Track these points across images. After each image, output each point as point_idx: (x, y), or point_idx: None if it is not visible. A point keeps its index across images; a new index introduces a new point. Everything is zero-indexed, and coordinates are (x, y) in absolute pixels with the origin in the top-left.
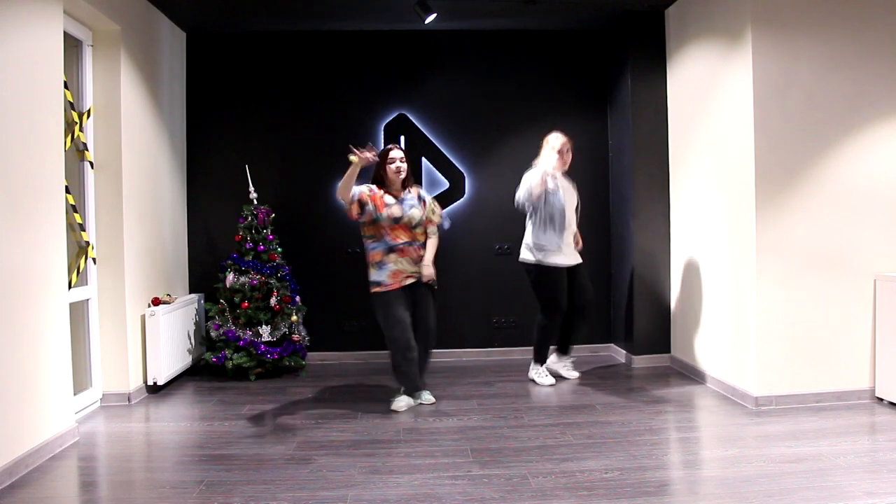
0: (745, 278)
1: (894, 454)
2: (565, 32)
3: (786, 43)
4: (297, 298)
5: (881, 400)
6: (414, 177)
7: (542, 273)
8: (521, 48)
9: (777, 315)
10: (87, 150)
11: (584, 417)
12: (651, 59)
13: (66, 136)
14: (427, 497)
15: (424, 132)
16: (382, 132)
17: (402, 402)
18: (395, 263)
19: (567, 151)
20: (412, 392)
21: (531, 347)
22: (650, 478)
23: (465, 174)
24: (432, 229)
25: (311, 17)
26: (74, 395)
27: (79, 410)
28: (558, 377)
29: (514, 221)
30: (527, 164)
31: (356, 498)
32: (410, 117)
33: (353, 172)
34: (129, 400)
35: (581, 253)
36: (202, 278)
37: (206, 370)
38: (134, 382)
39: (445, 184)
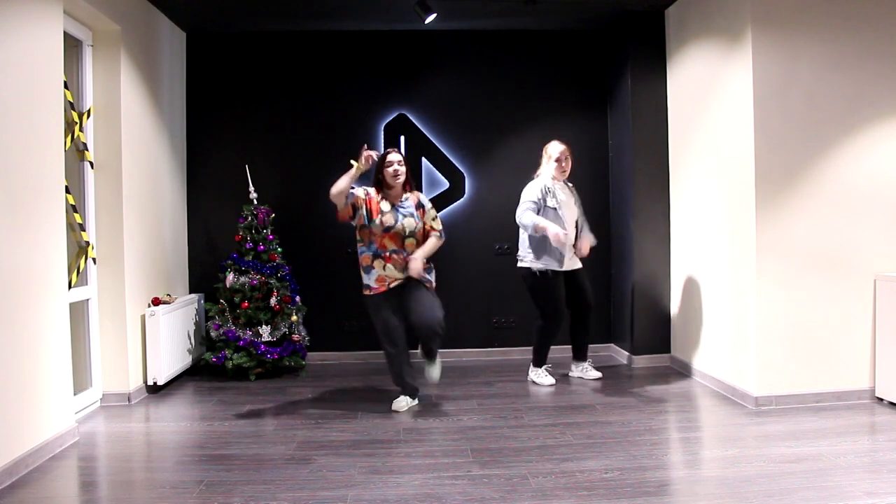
0: (745, 278)
1: (894, 454)
2: (565, 32)
3: (786, 43)
4: (297, 298)
5: (881, 400)
6: (414, 177)
7: (540, 279)
8: (521, 48)
9: (777, 315)
10: (87, 150)
11: (584, 417)
12: (651, 59)
13: (66, 136)
14: (427, 497)
15: (424, 132)
16: (382, 132)
17: (402, 402)
18: (380, 270)
19: (566, 159)
20: (409, 392)
21: (531, 348)
22: (650, 478)
23: (465, 174)
24: (434, 234)
25: (311, 17)
26: (74, 395)
27: (79, 410)
28: (581, 380)
29: (514, 221)
30: (527, 164)
31: (356, 498)
32: (410, 117)
33: (352, 177)
34: (129, 400)
35: (582, 258)
36: (202, 278)
37: (206, 370)
38: (134, 382)
39: (445, 184)
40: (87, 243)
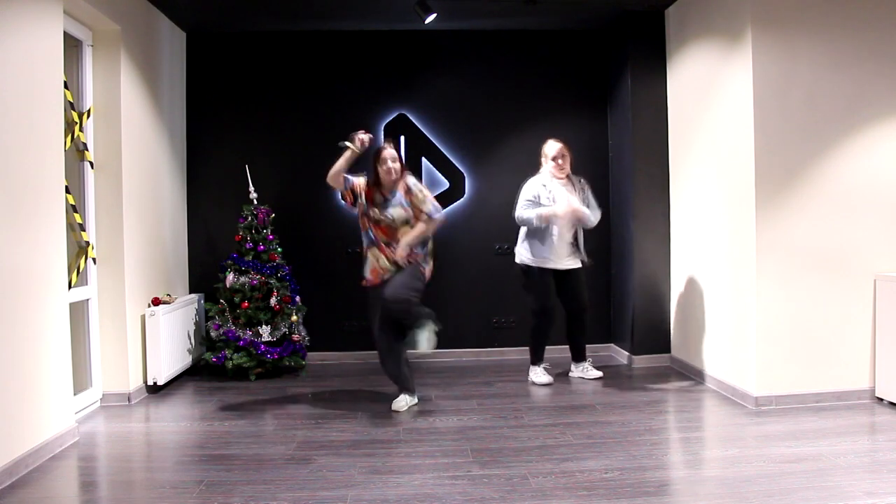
0: (745, 278)
1: (894, 454)
2: (565, 32)
3: (786, 43)
4: (297, 298)
5: (881, 400)
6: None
7: (530, 274)
8: (521, 48)
9: (777, 315)
10: (87, 150)
11: (584, 417)
12: (651, 59)
13: (66, 136)
14: (427, 497)
15: (424, 132)
16: (382, 132)
17: (401, 401)
18: (374, 259)
19: (563, 157)
20: (407, 390)
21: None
22: (650, 478)
23: (465, 174)
24: (424, 216)
25: (311, 17)
26: (74, 395)
27: (79, 410)
28: (582, 380)
29: (514, 222)
30: (527, 164)
31: (356, 498)
32: (410, 117)
33: (348, 160)
34: (129, 400)
35: (584, 259)
36: (202, 278)
37: (206, 370)
38: (134, 382)
39: (445, 184)
40: (87, 243)
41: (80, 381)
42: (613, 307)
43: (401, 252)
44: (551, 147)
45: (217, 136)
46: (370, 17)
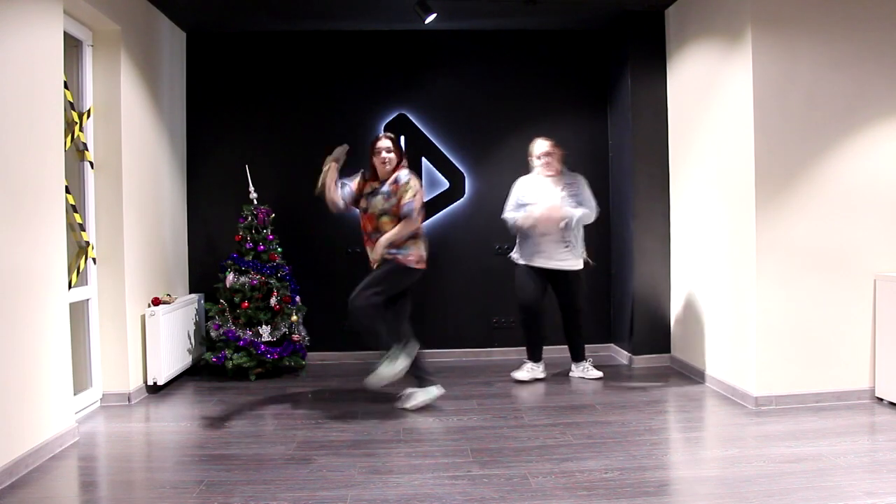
0: (745, 278)
1: (894, 454)
2: (565, 32)
3: (786, 43)
4: (297, 298)
5: (881, 400)
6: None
7: (516, 270)
8: (521, 48)
9: (777, 315)
10: (87, 150)
11: (584, 417)
12: (651, 59)
13: (66, 136)
14: (427, 497)
15: (424, 132)
16: (382, 132)
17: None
18: (368, 251)
19: (547, 155)
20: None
21: None
22: (650, 478)
23: (465, 174)
24: (403, 211)
25: (311, 17)
26: (74, 395)
27: (79, 410)
28: (582, 380)
29: None
30: (527, 164)
31: (356, 498)
32: (410, 117)
33: (330, 175)
34: (129, 400)
35: (586, 261)
36: (202, 278)
37: (206, 370)
38: (134, 382)
39: (445, 184)
40: (87, 243)
41: (80, 381)
42: (613, 307)
43: (377, 252)
44: (537, 145)
45: (217, 136)
46: (370, 17)
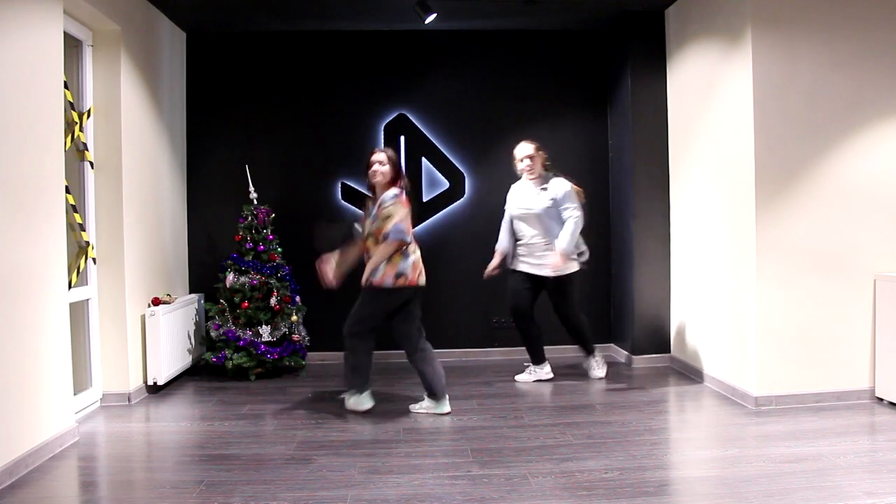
0: (745, 278)
1: (894, 454)
2: (565, 32)
3: (786, 43)
4: (297, 298)
5: (881, 400)
6: (413, 177)
7: (509, 275)
8: (521, 48)
9: (777, 315)
10: (87, 150)
11: (584, 417)
12: (651, 59)
13: (66, 136)
14: (427, 497)
15: (424, 132)
16: (382, 132)
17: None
18: None
19: (527, 158)
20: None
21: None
22: (650, 478)
23: (465, 174)
24: (384, 235)
25: (310, 17)
26: (74, 395)
27: (79, 410)
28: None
29: None
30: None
31: (356, 498)
32: (410, 117)
33: (337, 268)
34: (129, 400)
35: (585, 262)
36: (202, 278)
37: (206, 370)
38: (134, 382)
39: (445, 184)
40: (87, 243)
41: (80, 381)
42: (613, 307)
43: (365, 274)
44: (519, 149)
45: (217, 136)
46: (370, 17)
